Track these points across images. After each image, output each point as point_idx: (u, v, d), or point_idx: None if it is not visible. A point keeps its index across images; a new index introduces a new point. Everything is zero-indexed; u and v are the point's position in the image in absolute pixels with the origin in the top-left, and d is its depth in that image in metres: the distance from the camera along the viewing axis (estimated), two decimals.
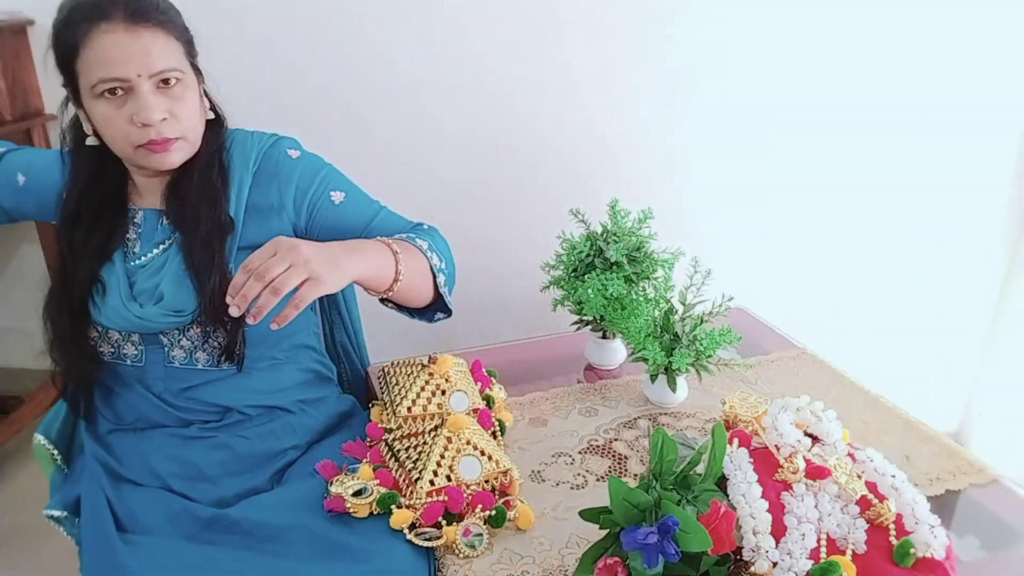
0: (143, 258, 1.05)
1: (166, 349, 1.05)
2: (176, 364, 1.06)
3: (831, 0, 1.85)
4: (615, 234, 1.33)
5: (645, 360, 1.22)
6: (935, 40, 1.94)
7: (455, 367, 1.17)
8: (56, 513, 1.05)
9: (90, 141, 1.00)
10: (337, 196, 1.11)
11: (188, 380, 1.06)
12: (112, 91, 0.92)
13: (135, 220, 1.06)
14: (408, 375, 1.17)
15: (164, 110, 0.94)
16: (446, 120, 1.78)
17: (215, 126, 1.07)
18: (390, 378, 1.19)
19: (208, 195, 1.03)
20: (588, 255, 1.32)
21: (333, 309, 1.32)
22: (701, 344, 1.21)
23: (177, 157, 0.99)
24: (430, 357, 1.17)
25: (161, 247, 1.05)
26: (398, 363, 1.22)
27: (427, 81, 1.73)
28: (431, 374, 1.14)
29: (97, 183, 1.04)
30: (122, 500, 1.00)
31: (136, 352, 1.05)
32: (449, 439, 1.01)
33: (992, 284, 2.30)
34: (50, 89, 1.69)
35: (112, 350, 1.06)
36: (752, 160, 1.96)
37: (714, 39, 1.83)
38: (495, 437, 1.13)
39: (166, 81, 0.95)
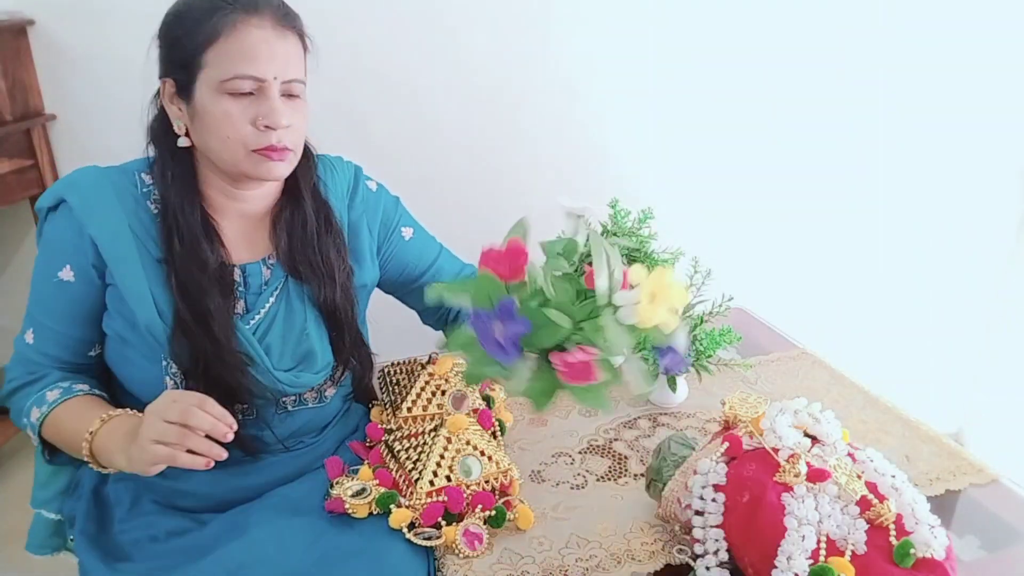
0: (259, 314, 0.97)
1: (279, 397, 1.01)
2: (288, 409, 1.02)
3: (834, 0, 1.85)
4: (615, 234, 1.33)
5: (645, 360, 1.22)
6: (937, 41, 1.94)
7: (455, 367, 1.17)
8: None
9: (182, 142, 0.93)
10: (407, 232, 1.12)
11: (295, 422, 1.03)
12: (242, 89, 0.87)
13: (233, 278, 0.96)
14: (408, 375, 1.17)
15: (289, 118, 0.91)
16: (445, 121, 1.77)
17: (305, 158, 1.02)
18: (390, 378, 1.19)
19: (333, 239, 1.00)
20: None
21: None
22: (701, 344, 1.20)
23: (285, 169, 0.94)
24: (430, 357, 1.17)
25: (273, 297, 0.98)
26: (398, 363, 1.22)
27: (426, 82, 1.73)
28: (431, 374, 1.14)
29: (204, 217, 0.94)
30: (129, 529, 0.97)
31: (245, 406, 0.98)
32: (449, 439, 1.01)
33: (992, 284, 2.30)
34: (50, 89, 1.69)
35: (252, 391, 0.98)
36: (753, 160, 1.96)
37: (716, 39, 1.83)
38: (495, 437, 1.13)
39: (291, 92, 0.92)
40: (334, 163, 1.08)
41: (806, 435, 0.91)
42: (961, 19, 1.94)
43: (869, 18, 1.89)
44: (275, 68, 0.88)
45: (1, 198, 1.63)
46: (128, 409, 0.92)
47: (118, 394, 1.02)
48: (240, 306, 0.96)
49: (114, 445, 0.86)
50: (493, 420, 1.14)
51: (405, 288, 1.16)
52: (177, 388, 0.93)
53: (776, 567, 0.79)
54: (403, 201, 1.20)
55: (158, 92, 0.94)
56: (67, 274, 0.93)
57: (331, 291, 0.99)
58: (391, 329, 1.36)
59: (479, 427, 1.07)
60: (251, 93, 0.88)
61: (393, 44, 1.69)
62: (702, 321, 1.23)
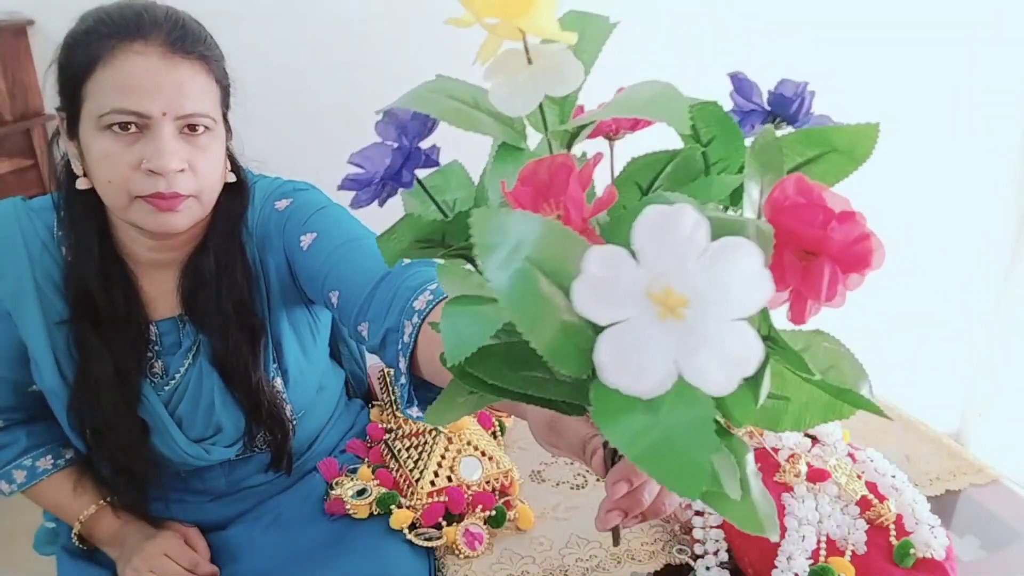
0: (174, 378, 0.89)
1: None
2: (232, 458, 0.95)
3: None
4: None
5: None
6: (936, 38, 1.94)
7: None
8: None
9: (81, 184, 0.80)
10: (306, 240, 0.87)
11: (249, 467, 0.98)
12: (124, 125, 0.75)
13: (148, 336, 0.88)
14: None
15: (183, 160, 0.76)
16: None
17: (235, 193, 0.88)
18: (390, 378, 1.19)
19: (233, 286, 0.86)
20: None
21: (340, 341, 1.17)
22: None
23: (184, 219, 0.79)
24: None
25: (189, 358, 0.89)
26: None
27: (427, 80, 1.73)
28: None
29: (110, 262, 0.84)
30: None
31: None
32: (450, 439, 1.01)
33: (992, 284, 2.30)
34: (50, 89, 1.70)
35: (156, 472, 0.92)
36: None
37: (715, 37, 1.83)
38: (495, 437, 1.13)
39: (193, 127, 0.77)
40: (257, 189, 0.92)
41: (806, 435, 0.92)
42: (962, 17, 1.94)
43: (869, 16, 1.89)
44: (162, 102, 0.74)
45: (1, 198, 1.63)
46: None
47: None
48: (159, 367, 0.88)
49: (105, 537, 0.95)
50: (493, 420, 1.14)
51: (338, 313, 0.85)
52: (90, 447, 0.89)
53: (776, 567, 0.79)
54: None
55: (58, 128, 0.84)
56: None
57: (222, 346, 0.87)
58: None
59: (479, 427, 1.07)
60: (138, 130, 0.75)
61: (394, 41, 1.69)
62: None
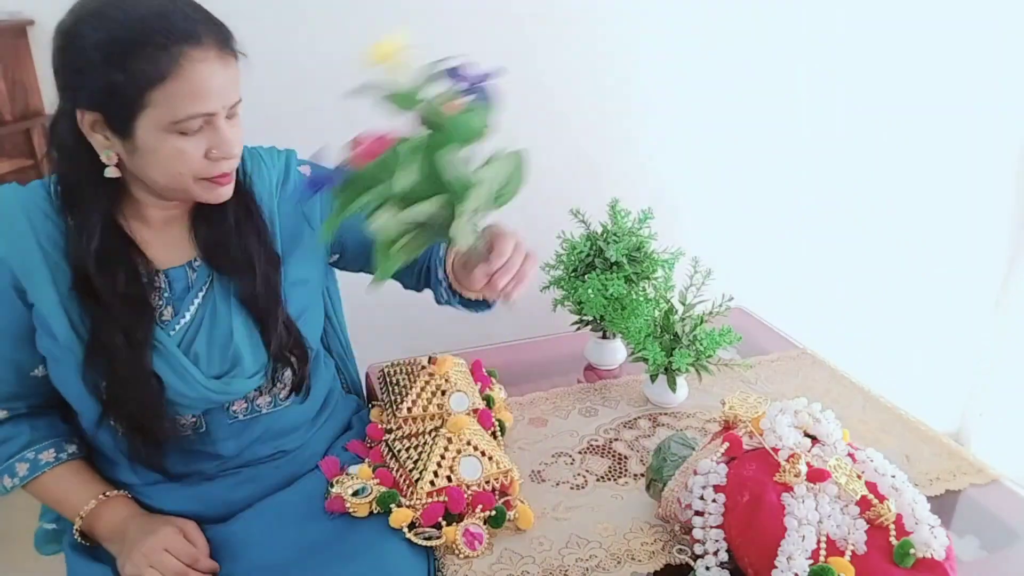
0: (183, 319, 0.93)
1: (226, 406, 0.97)
2: (240, 418, 0.98)
3: None
4: (615, 234, 1.33)
5: (645, 360, 1.22)
6: (936, 39, 1.94)
7: (455, 367, 1.17)
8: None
9: (110, 172, 0.85)
10: None
11: (254, 430, 1.00)
12: (194, 128, 0.82)
13: (157, 285, 0.92)
14: (408, 376, 1.17)
15: (238, 142, 0.87)
16: None
17: None
18: (390, 379, 1.19)
19: (254, 228, 0.96)
20: (588, 255, 1.32)
21: (324, 317, 1.20)
22: (701, 344, 1.21)
23: (231, 189, 0.90)
24: (430, 358, 1.17)
25: (199, 298, 0.94)
26: (398, 364, 1.22)
27: None
28: (431, 375, 1.14)
29: (110, 242, 0.89)
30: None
31: (196, 419, 0.96)
32: (449, 439, 1.01)
33: (992, 284, 2.31)
34: (50, 89, 1.70)
35: (172, 428, 0.95)
36: (752, 160, 1.96)
37: (714, 38, 1.83)
38: (495, 437, 1.13)
39: (234, 113, 0.87)
40: (263, 155, 1.03)
41: (806, 435, 0.91)
42: (963, 18, 1.94)
43: (869, 18, 1.89)
44: (223, 99, 0.84)
45: None
46: (119, 491, 0.98)
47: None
48: (168, 312, 0.93)
49: (106, 532, 0.95)
50: (493, 420, 1.14)
51: (367, 255, 1.02)
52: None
53: (776, 567, 0.79)
54: None
55: (64, 114, 0.85)
56: None
57: (251, 282, 0.94)
58: (377, 329, 1.36)
59: (479, 427, 1.07)
60: (201, 126, 0.83)
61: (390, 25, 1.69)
62: (702, 321, 1.23)
